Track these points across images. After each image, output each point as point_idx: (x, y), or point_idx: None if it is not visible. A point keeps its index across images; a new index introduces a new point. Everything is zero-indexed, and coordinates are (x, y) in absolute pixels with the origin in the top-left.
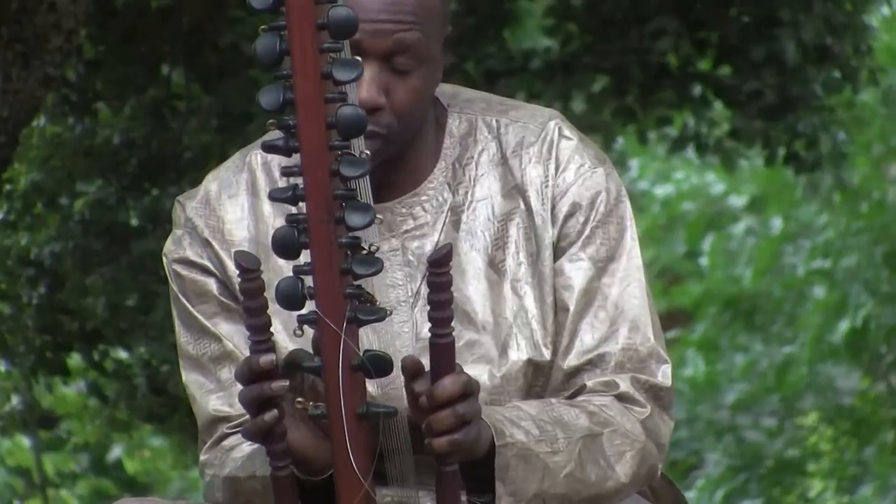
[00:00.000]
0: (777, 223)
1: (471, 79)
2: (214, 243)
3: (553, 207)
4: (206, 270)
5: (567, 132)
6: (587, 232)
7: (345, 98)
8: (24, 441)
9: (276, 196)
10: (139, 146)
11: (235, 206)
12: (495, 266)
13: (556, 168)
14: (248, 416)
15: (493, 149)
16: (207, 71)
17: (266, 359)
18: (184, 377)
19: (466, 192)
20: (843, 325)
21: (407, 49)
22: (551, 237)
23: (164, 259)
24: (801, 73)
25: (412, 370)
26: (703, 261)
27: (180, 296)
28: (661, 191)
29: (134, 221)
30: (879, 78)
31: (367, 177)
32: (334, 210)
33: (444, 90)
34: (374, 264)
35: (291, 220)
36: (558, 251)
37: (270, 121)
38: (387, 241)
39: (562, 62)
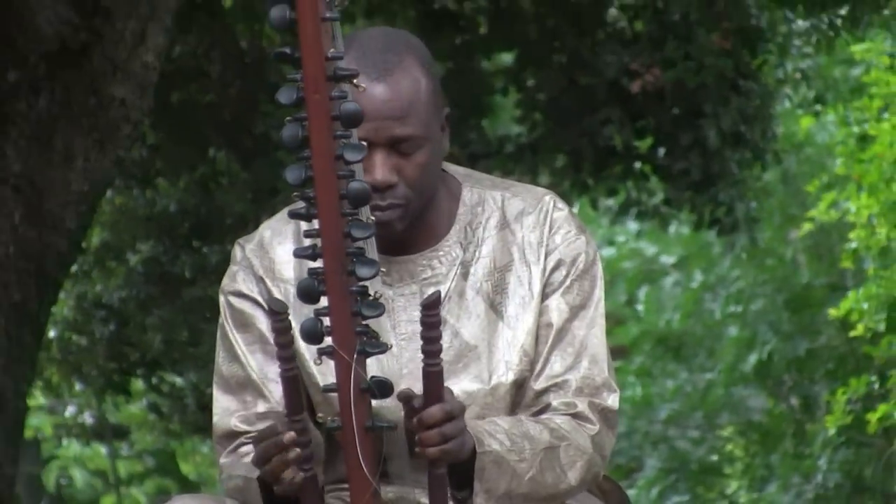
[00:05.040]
0: (699, 276)
1: (456, 160)
2: (267, 280)
3: (544, 261)
4: (255, 303)
5: (559, 205)
6: (567, 283)
7: (353, 175)
8: (101, 449)
9: (299, 254)
10: (190, 213)
11: (284, 250)
12: (495, 308)
13: (550, 230)
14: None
15: (498, 216)
16: (244, 153)
17: (290, 437)
18: (214, 391)
19: (475, 250)
20: (753, 358)
21: (405, 139)
22: (541, 285)
23: (221, 293)
24: (720, 153)
25: (404, 397)
26: (640, 307)
27: (227, 322)
28: (606, 252)
29: (186, 273)
30: (782, 158)
31: (373, 237)
32: (346, 264)
33: (459, 171)
34: (379, 308)
35: (312, 272)
36: (544, 296)
37: (294, 193)
38: (408, 286)
39: (529, 144)
